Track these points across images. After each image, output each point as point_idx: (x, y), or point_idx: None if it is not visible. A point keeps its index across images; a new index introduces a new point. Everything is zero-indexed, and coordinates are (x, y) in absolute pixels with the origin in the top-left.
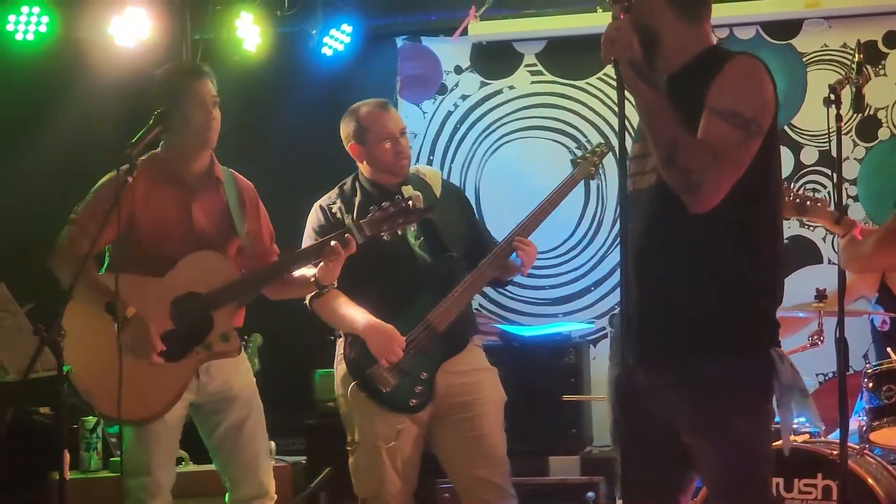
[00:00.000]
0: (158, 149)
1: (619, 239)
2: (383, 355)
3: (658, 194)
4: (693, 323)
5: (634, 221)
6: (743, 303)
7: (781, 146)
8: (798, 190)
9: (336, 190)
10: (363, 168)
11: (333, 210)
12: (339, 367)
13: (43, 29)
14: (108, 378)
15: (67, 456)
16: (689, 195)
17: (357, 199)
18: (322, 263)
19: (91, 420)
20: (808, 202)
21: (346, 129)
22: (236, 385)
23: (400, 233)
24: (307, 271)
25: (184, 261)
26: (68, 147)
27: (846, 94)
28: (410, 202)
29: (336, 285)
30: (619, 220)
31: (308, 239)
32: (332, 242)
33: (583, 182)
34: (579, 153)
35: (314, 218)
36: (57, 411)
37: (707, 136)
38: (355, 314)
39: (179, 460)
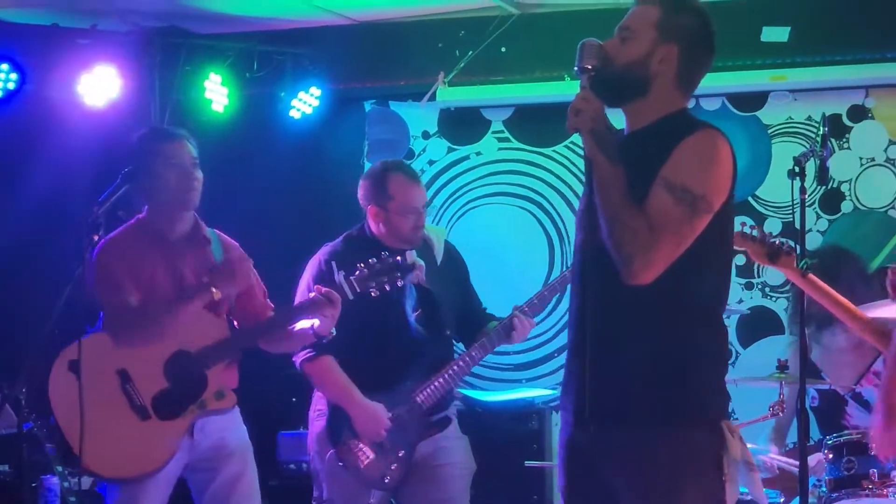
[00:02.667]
0: (143, 213)
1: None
2: (367, 436)
3: (603, 255)
4: (641, 392)
5: (585, 278)
6: (691, 374)
7: (746, 217)
8: (771, 238)
9: (340, 241)
10: (374, 227)
11: (333, 266)
12: (317, 423)
13: (11, 87)
14: (98, 435)
15: None
16: (621, 267)
17: (355, 254)
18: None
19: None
20: (782, 252)
21: (370, 189)
22: (231, 441)
23: (388, 288)
24: (306, 324)
25: (175, 320)
26: (36, 205)
27: (810, 167)
28: (398, 258)
29: (334, 333)
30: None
31: (304, 287)
32: (317, 298)
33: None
34: None
35: (315, 268)
36: (17, 469)
37: (650, 208)
38: (347, 388)
39: None
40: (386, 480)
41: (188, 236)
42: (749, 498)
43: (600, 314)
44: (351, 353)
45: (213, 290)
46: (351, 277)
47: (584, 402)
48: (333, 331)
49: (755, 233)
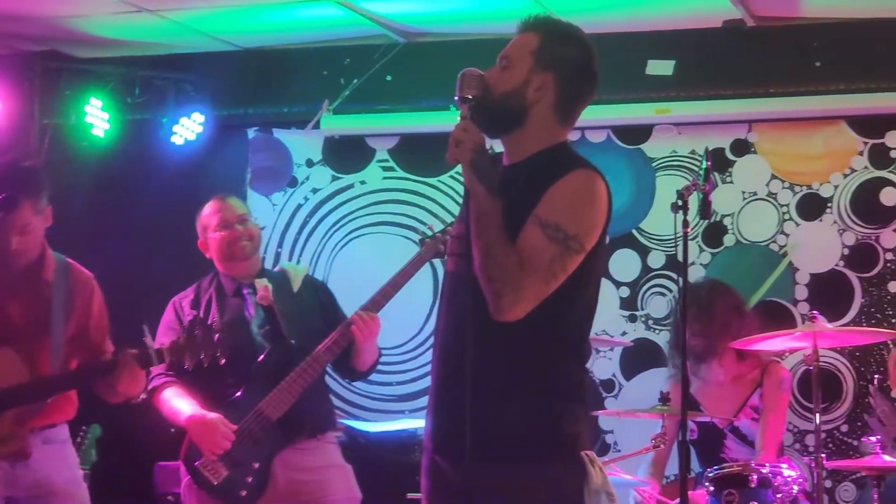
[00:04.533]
0: None
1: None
2: (208, 448)
3: (475, 285)
4: (498, 424)
5: (451, 306)
6: (549, 406)
7: (629, 249)
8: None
9: (194, 285)
10: (217, 264)
11: (183, 305)
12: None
13: None
14: None
15: None
16: (490, 303)
17: (208, 294)
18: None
19: None
20: None
21: (197, 229)
22: (57, 479)
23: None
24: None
25: None
26: None
27: (693, 200)
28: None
29: (143, 397)
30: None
31: (160, 334)
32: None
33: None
34: (429, 233)
35: (166, 313)
36: None
37: (522, 244)
38: (181, 406)
39: None
40: (243, 494)
41: (25, 270)
42: None
43: (464, 343)
44: (196, 376)
45: None
46: (164, 348)
47: (445, 434)
48: (143, 395)
49: None
